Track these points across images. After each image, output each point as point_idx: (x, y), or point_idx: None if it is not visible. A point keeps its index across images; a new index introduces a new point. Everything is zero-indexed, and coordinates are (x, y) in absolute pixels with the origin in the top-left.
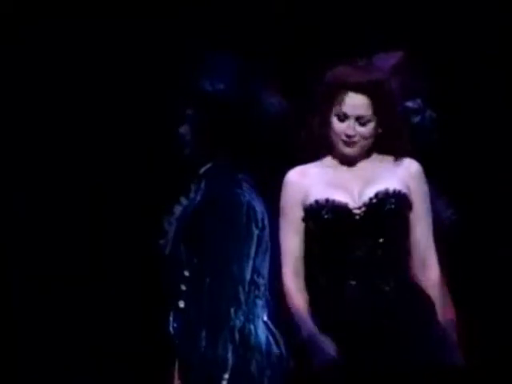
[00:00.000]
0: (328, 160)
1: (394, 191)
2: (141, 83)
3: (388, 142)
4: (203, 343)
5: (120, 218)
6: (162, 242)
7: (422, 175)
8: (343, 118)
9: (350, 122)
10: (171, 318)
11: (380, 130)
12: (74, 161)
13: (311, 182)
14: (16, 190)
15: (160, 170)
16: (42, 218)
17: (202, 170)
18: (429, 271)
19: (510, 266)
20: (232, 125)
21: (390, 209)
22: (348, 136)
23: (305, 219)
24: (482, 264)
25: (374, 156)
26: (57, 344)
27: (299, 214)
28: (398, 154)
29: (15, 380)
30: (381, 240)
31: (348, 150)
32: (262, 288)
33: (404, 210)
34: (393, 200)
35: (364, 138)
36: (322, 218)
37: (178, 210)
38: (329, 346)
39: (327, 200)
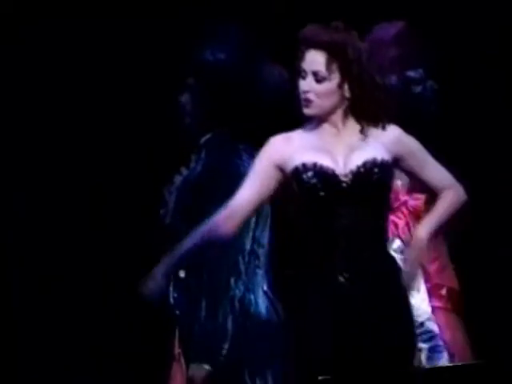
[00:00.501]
0: (313, 124)
1: (382, 161)
2: (142, 54)
3: (363, 107)
4: (203, 313)
5: (121, 189)
6: (162, 211)
7: (404, 133)
8: (303, 75)
9: (308, 79)
10: (171, 289)
11: (348, 95)
12: (75, 141)
13: (295, 146)
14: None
15: (161, 139)
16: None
17: (203, 139)
18: (450, 190)
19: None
20: (233, 94)
21: (377, 179)
22: (304, 92)
23: (287, 180)
24: (480, 233)
25: (355, 122)
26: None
27: (272, 172)
28: (374, 119)
29: (15, 380)
30: (366, 209)
31: (306, 111)
32: (262, 258)
33: (389, 181)
34: (380, 170)
35: (319, 96)
36: (308, 182)
37: (178, 179)
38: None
39: (315, 164)
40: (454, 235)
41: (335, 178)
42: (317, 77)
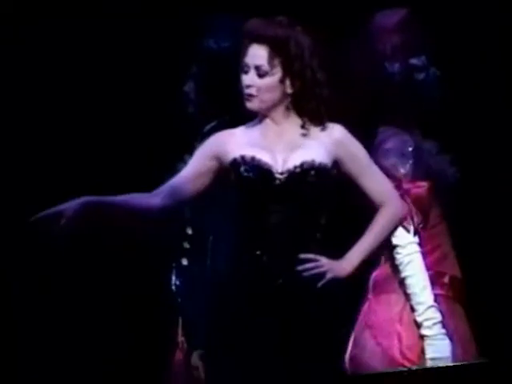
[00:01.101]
0: (256, 120)
1: (320, 164)
2: (145, 43)
3: (304, 104)
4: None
5: (124, 178)
6: None
7: (348, 136)
8: (246, 69)
9: (250, 74)
10: (174, 276)
11: (290, 91)
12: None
13: (237, 140)
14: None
15: (164, 128)
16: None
17: (206, 128)
18: (386, 207)
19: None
20: (236, 83)
21: (311, 181)
22: (246, 86)
23: (225, 171)
24: (483, 222)
25: (298, 119)
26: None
27: (208, 162)
28: (315, 117)
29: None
30: (295, 210)
31: (248, 105)
32: None
33: (325, 185)
34: (316, 173)
35: (261, 91)
36: (243, 174)
37: (181, 168)
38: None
39: (253, 158)
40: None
41: (270, 175)
42: (259, 71)
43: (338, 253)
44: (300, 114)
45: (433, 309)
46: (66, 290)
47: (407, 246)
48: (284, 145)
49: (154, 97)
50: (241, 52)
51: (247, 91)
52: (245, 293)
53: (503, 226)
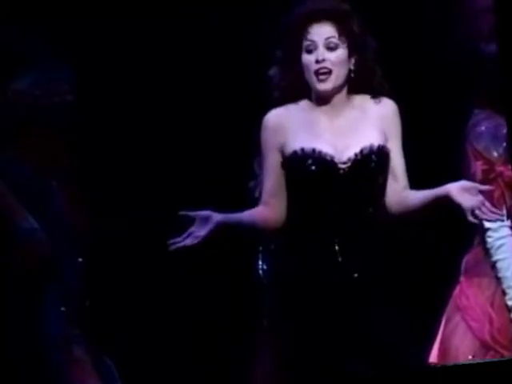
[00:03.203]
0: (305, 103)
1: (379, 147)
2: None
3: (362, 80)
4: None
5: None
6: (251, 184)
7: (397, 113)
8: (310, 48)
9: (319, 50)
10: (260, 261)
11: (353, 67)
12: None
13: (291, 125)
14: None
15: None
16: None
17: None
18: (401, 192)
19: None
20: None
21: (374, 166)
22: (318, 62)
23: (285, 164)
24: None
25: (349, 99)
26: None
27: (277, 158)
28: (375, 92)
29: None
30: (364, 196)
31: (322, 86)
32: None
33: (386, 166)
34: (377, 157)
35: (335, 64)
36: (308, 168)
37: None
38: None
39: (314, 150)
40: None
41: (334, 166)
42: (329, 45)
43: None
44: (359, 92)
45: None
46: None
47: (499, 230)
48: (341, 130)
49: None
50: (298, 33)
51: (321, 66)
52: (319, 285)
53: None
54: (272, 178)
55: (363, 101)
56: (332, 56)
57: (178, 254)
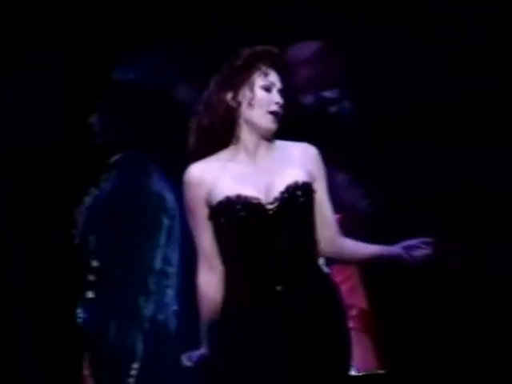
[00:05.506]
0: (225, 153)
1: (304, 183)
2: (53, 74)
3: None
4: (112, 333)
5: (31, 209)
6: (73, 232)
7: (319, 157)
8: (268, 88)
9: (274, 92)
10: (79, 309)
11: None
12: None
13: (214, 176)
14: None
15: (70, 160)
16: None
17: (112, 159)
18: (336, 240)
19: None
20: (143, 115)
21: (301, 202)
22: (276, 104)
23: (213, 216)
24: None
25: (271, 142)
26: None
27: (205, 211)
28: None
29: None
30: (295, 233)
31: (272, 125)
32: (172, 277)
33: (312, 202)
34: (303, 193)
35: (282, 110)
36: (236, 214)
37: (88, 200)
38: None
39: (239, 196)
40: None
41: (261, 208)
42: (281, 93)
43: None
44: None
45: None
46: None
47: None
48: (264, 172)
49: (61, 128)
50: (247, 70)
51: (277, 109)
52: (260, 321)
53: None
54: (206, 234)
55: (284, 144)
56: (282, 102)
57: None
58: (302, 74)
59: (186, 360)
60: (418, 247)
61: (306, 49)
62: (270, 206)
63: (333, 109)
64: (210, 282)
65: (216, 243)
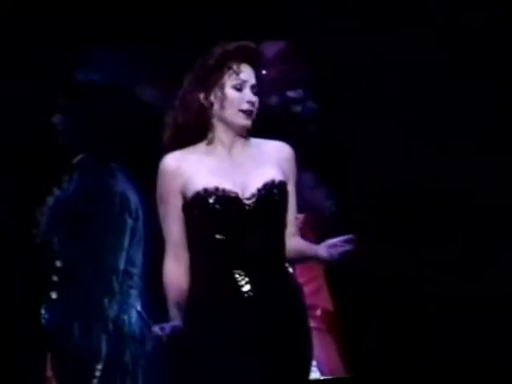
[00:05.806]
0: (202, 146)
1: (280, 182)
2: (15, 73)
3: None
4: (76, 334)
5: None
6: (34, 231)
7: (294, 157)
8: (239, 86)
9: (246, 90)
10: (43, 310)
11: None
12: None
13: (191, 168)
14: None
15: (32, 160)
16: None
17: (75, 160)
18: (294, 238)
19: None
20: (105, 115)
21: (277, 200)
22: (248, 102)
23: (187, 207)
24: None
25: (247, 139)
26: None
27: (178, 201)
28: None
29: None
30: (269, 231)
31: (245, 122)
32: (136, 278)
33: (286, 201)
34: (278, 191)
35: (255, 108)
36: (211, 207)
37: (50, 200)
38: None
39: (217, 188)
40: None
41: (238, 202)
42: (253, 90)
43: None
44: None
45: None
46: None
47: None
48: (241, 168)
49: (22, 129)
50: (221, 71)
51: (249, 107)
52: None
53: (377, 258)
54: (176, 224)
55: (261, 142)
56: (255, 99)
57: None
58: (267, 73)
59: (158, 330)
60: (337, 245)
61: (269, 49)
62: (247, 202)
63: (296, 108)
64: (176, 270)
65: (186, 234)
